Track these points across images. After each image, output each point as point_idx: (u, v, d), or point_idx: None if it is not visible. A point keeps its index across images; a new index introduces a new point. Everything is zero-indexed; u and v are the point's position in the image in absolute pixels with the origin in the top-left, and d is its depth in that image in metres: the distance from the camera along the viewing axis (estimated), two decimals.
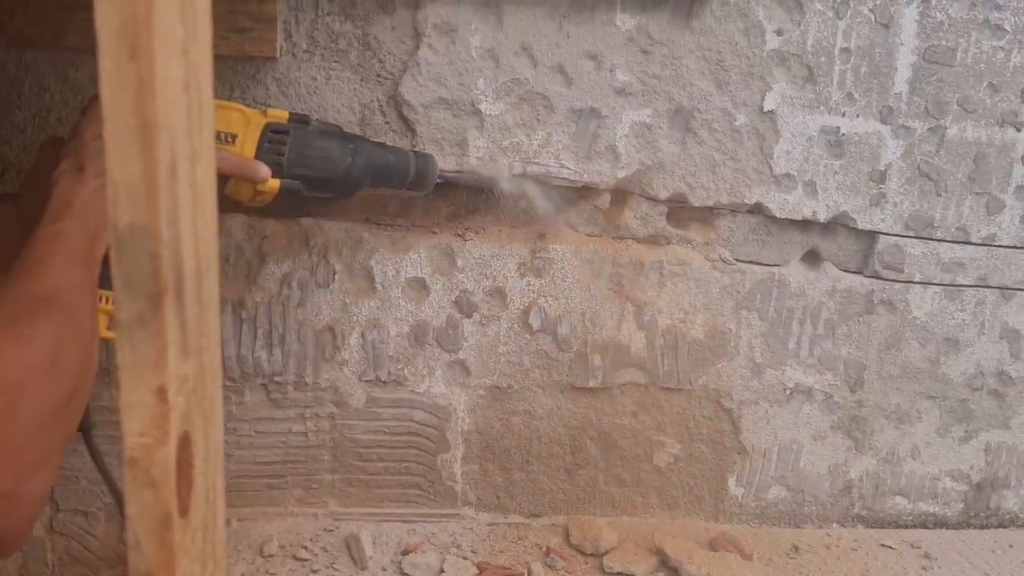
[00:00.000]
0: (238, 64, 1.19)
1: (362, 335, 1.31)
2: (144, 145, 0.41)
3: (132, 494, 0.45)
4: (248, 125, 0.99)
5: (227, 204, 0.97)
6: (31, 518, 0.71)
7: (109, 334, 0.89)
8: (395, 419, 1.35)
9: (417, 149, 1.17)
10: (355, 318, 1.30)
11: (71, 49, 1.12)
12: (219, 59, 1.17)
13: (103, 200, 0.84)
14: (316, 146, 1.01)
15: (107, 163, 0.41)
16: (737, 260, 1.38)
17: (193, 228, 0.47)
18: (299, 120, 1.03)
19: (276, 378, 1.31)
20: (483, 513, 1.41)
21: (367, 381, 1.33)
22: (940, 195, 1.38)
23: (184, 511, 0.47)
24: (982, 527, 1.55)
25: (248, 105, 1.01)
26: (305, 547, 1.30)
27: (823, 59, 1.29)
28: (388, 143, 1.17)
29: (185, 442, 0.47)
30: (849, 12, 1.28)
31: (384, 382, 1.33)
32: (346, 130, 1.11)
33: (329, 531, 1.34)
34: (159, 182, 0.42)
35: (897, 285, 1.41)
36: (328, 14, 1.19)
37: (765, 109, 1.30)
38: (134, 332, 0.43)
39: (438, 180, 1.18)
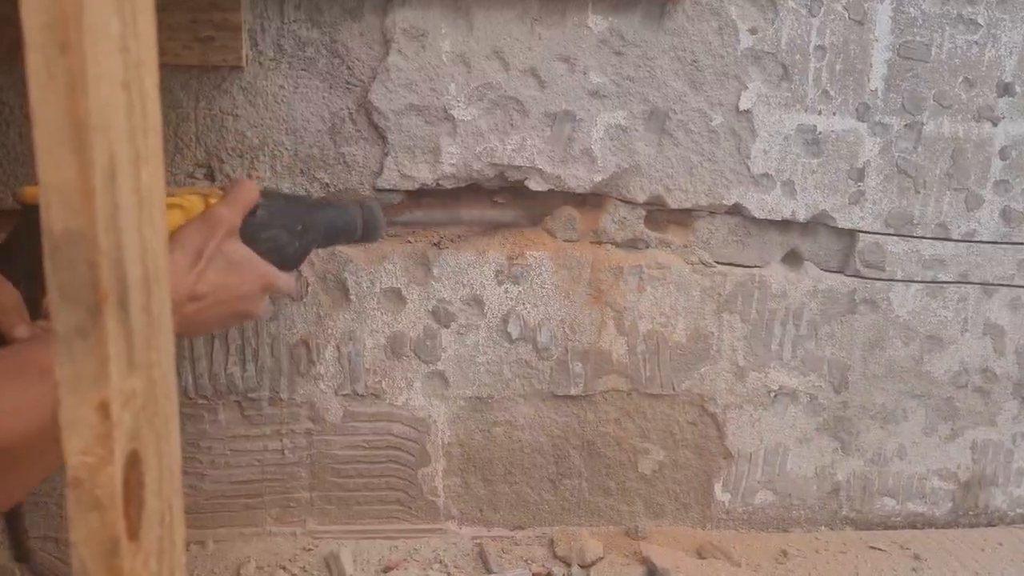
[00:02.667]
0: (203, 74, 1.16)
1: (337, 348, 1.28)
2: (77, 146, 0.39)
3: (76, 518, 0.42)
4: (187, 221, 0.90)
5: None
6: None
7: None
8: (373, 433, 1.32)
9: (364, 201, 1.09)
10: (330, 331, 1.28)
11: None
12: (183, 69, 1.15)
13: (177, 299, 0.80)
14: (263, 238, 0.93)
15: (38, 166, 0.38)
16: (717, 262, 1.36)
17: (138, 234, 0.44)
18: None
19: (250, 394, 1.28)
20: (466, 527, 1.38)
21: (344, 395, 1.30)
22: (919, 192, 1.37)
23: (134, 534, 0.45)
24: (971, 526, 1.53)
25: (192, 192, 0.93)
26: (284, 567, 1.27)
27: (798, 57, 1.28)
28: (334, 201, 1.10)
29: (134, 461, 0.45)
30: (823, 9, 1.27)
31: (361, 396, 1.31)
32: (289, 194, 1.02)
33: (308, 550, 1.31)
34: (94, 185, 0.39)
35: (879, 284, 1.40)
36: (295, 21, 1.17)
37: (741, 109, 1.29)
38: (73, 344, 0.41)
39: (393, 223, 1.14)
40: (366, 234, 1.07)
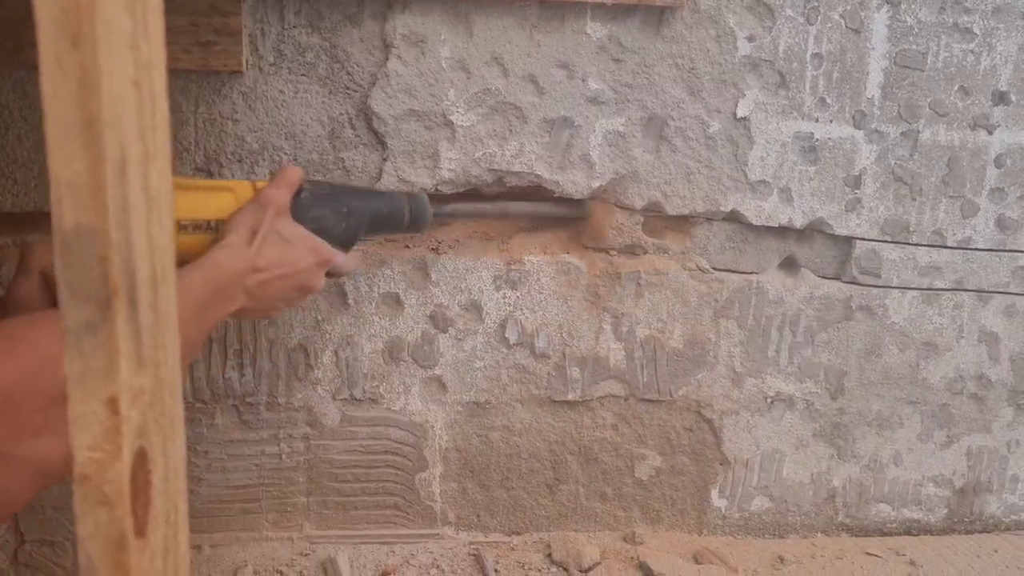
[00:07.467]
0: (203, 78, 1.16)
1: (335, 353, 1.28)
2: (88, 141, 0.39)
3: (83, 513, 0.42)
4: (239, 205, 0.93)
5: None
6: (24, 483, 0.67)
7: None
8: (371, 438, 1.32)
9: (411, 192, 1.13)
10: (328, 335, 1.28)
11: (29, 65, 1.10)
12: (183, 73, 1.15)
13: (240, 272, 0.84)
14: (309, 218, 0.96)
15: (49, 160, 0.38)
16: (714, 268, 1.37)
17: (147, 233, 0.44)
18: None
19: (248, 399, 1.28)
20: (463, 532, 1.38)
21: (341, 400, 1.30)
22: (915, 199, 1.38)
23: (141, 531, 0.45)
24: (966, 532, 1.54)
25: (234, 179, 0.97)
26: (280, 572, 1.26)
27: (795, 65, 1.29)
28: (382, 189, 1.13)
29: (141, 458, 0.45)
30: (820, 18, 1.28)
31: (359, 400, 1.31)
32: (335, 182, 1.06)
33: (305, 555, 1.31)
34: (106, 180, 0.39)
35: (875, 290, 1.40)
36: (295, 27, 1.17)
37: (738, 116, 1.29)
38: (82, 340, 0.41)
39: (438, 215, 1.17)
40: (413, 223, 1.10)
